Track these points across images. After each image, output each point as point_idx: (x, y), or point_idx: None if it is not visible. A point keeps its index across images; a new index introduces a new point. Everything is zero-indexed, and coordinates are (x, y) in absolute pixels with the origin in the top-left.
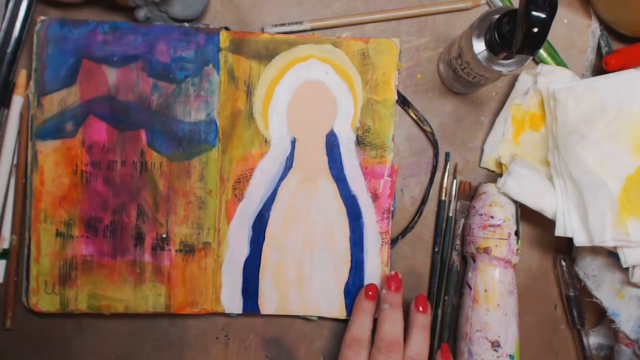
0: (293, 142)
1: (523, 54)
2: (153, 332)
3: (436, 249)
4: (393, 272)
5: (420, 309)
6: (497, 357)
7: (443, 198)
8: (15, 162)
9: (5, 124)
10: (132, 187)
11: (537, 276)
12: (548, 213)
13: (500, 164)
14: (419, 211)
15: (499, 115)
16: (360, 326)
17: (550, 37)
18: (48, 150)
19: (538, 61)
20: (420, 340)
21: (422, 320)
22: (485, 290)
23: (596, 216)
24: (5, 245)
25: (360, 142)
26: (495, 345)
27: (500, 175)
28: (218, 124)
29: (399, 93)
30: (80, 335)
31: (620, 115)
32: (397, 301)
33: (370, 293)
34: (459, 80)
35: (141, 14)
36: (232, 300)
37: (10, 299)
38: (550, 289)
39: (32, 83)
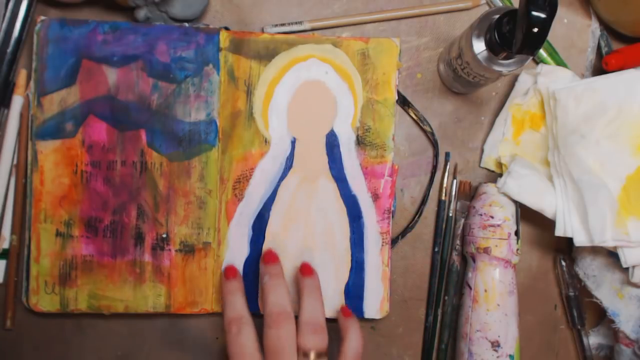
0: (293, 142)
1: (523, 54)
2: (153, 332)
3: (436, 249)
4: (266, 249)
5: (305, 274)
6: (497, 357)
7: (443, 198)
8: (15, 162)
9: (5, 124)
10: (132, 187)
11: (537, 276)
12: (548, 213)
13: (500, 164)
14: (419, 211)
15: (499, 115)
16: (232, 306)
17: (550, 37)
18: (48, 150)
19: (538, 61)
20: (312, 302)
21: (310, 283)
22: (485, 290)
23: (596, 216)
24: (5, 245)
25: (360, 142)
26: (495, 345)
27: (500, 175)
28: (218, 124)
29: (399, 93)
30: (80, 335)
31: (620, 115)
32: (276, 271)
33: (229, 275)
34: (459, 80)
35: (141, 14)
36: None
37: (10, 299)
38: (550, 289)
39: (32, 83)
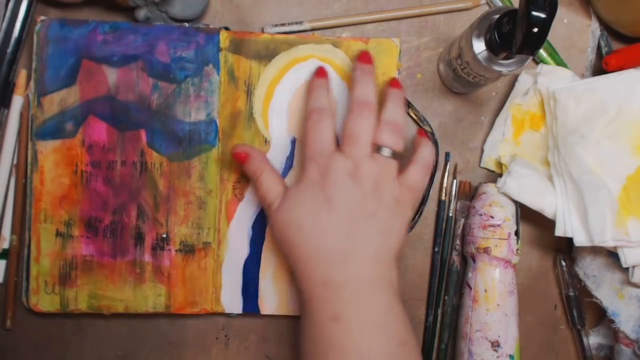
0: (293, 142)
1: (523, 54)
2: (153, 332)
3: (436, 249)
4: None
5: (394, 86)
6: (497, 357)
7: (443, 198)
8: (15, 162)
9: (5, 124)
10: (132, 187)
11: (537, 276)
12: (548, 213)
13: (500, 164)
14: (419, 211)
15: (499, 115)
16: (317, 98)
17: (550, 37)
18: (48, 150)
19: (538, 61)
20: (395, 107)
21: (397, 92)
22: (485, 290)
23: (596, 216)
24: (5, 245)
25: None
26: (495, 345)
27: (500, 175)
28: (218, 124)
29: None
30: (80, 335)
31: (620, 115)
32: (368, 69)
33: (320, 74)
34: (459, 80)
35: (141, 14)
36: (232, 300)
37: (10, 299)
38: (550, 289)
39: (32, 83)
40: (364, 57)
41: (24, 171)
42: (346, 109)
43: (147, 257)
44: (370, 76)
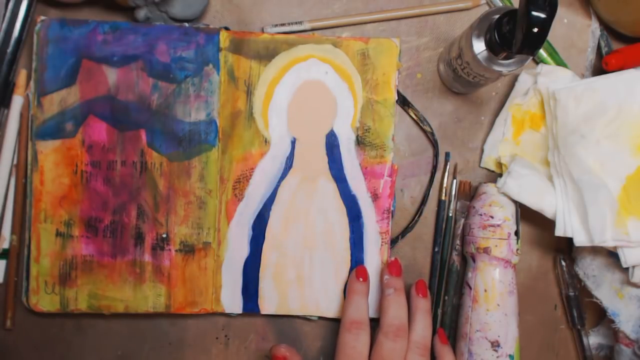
0: (293, 142)
1: (523, 54)
2: (153, 332)
3: (436, 249)
4: (393, 258)
5: (421, 294)
6: (497, 357)
7: (443, 198)
8: (15, 162)
9: (5, 124)
10: (132, 187)
11: (537, 276)
12: (548, 213)
13: (500, 164)
14: (419, 211)
15: (499, 115)
16: (357, 308)
17: (550, 37)
18: (48, 150)
19: (538, 61)
20: (423, 324)
21: (423, 305)
22: (485, 290)
23: (596, 216)
24: (5, 245)
25: (360, 142)
26: (495, 345)
27: (500, 175)
28: (218, 124)
29: (399, 93)
30: (80, 335)
31: (620, 115)
32: (400, 285)
33: (360, 279)
34: (459, 80)
35: (141, 14)
36: (232, 300)
37: (10, 299)
38: (550, 289)
39: (32, 83)
40: (394, 270)
41: (24, 171)
42: (379, 331)
43: (147, 257)
44: (403, 295)
